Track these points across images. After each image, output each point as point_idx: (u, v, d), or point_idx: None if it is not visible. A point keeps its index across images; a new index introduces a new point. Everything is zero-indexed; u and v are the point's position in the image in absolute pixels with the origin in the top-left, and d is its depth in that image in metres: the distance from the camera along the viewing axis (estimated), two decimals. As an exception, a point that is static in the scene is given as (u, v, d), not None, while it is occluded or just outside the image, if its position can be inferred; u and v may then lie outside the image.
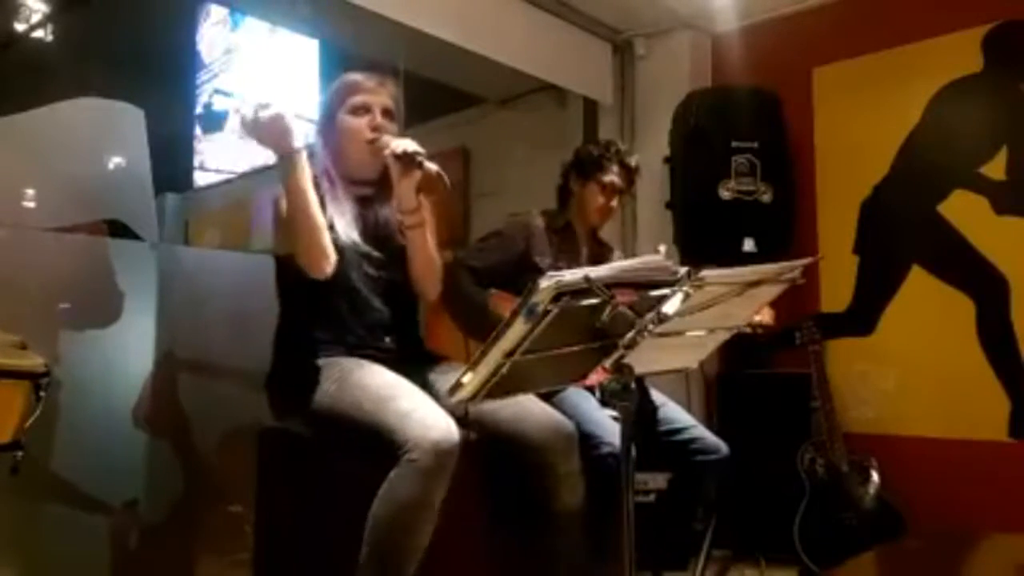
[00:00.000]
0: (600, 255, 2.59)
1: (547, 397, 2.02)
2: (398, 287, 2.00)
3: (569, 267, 2.43)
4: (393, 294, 1.99)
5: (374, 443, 1.66)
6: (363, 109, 1.96)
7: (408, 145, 1.89)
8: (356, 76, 2.01)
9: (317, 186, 1.85)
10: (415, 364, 1.95)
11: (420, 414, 1.64)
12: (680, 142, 3.55)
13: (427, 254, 1.99)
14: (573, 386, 2.19)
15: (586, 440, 2.05)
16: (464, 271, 2.40)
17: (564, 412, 2.01)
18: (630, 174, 2.55)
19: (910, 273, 3.31)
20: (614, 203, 2.54)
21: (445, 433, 1.61)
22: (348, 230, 1.92)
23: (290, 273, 1.92)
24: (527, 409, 1.87)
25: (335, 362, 1.83)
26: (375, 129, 1.94)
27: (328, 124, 1.99)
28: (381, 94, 1.99)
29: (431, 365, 2.00)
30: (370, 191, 2.01)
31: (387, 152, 1.90)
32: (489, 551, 1.86)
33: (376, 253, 1.96)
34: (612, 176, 2.51)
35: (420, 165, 1.88)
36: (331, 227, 1.89)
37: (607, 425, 2.10)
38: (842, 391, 3.30)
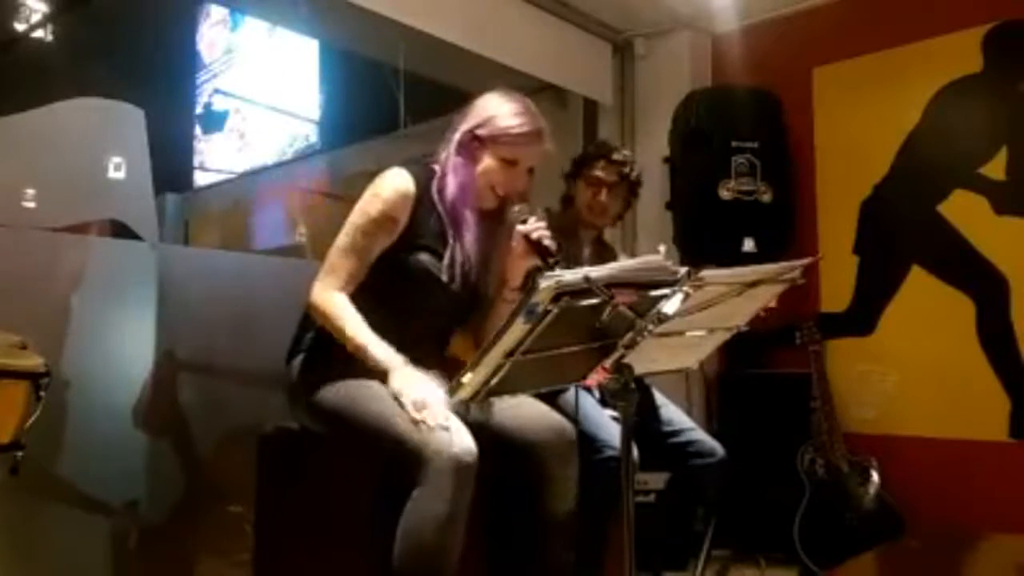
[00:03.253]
0: (601, 258, 2.58)
1: (548, 398, 2.02)
2: (450, 323, 2.00)
3: (569, 268, 2.45)
4: (444, 326, 1.99)
5: (392, 451, 1.66)
6: (513, 163, 1.89)
7: (546, 237, 1.83)
8: (522, 125, 1.87)
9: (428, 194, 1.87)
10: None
11: (439, 428, 1.62)
12: (680, 142, 3.55)
13: (503, 320, 2.00)
14: (573, 386, 2.19)
15: (588, 443, 2.05)
16: None
17: (565, 414, 2.00)
18: (618, 167, 2.53)
19: (910, 273, 3.31)
20: (602, 197, 2.51)
21: (464, 447, 1.60)
22: (437, 257, 1.88)
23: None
24: (525, 409, 1.86)
25: (354, 361, 1.80)
26: (509, 193, 1.90)
27: (469, 148, 1.89)
28: (535, 153, 1.92)
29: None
30: (473, 220, 1.93)
31: (521, 229, 1.85)
32: (478, 553, 1.85)
33: (452, 285, 1.90)
34: (596, 171, 2.52)
35: (551, 266, 1.79)
36: (427, 247, 1.87)
37: (609, 428, 2.10)
38: (842, 391, 3.30)
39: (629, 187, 2.57)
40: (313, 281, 1.84)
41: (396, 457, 1.65)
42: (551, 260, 1.80)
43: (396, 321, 1.83)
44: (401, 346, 1.82)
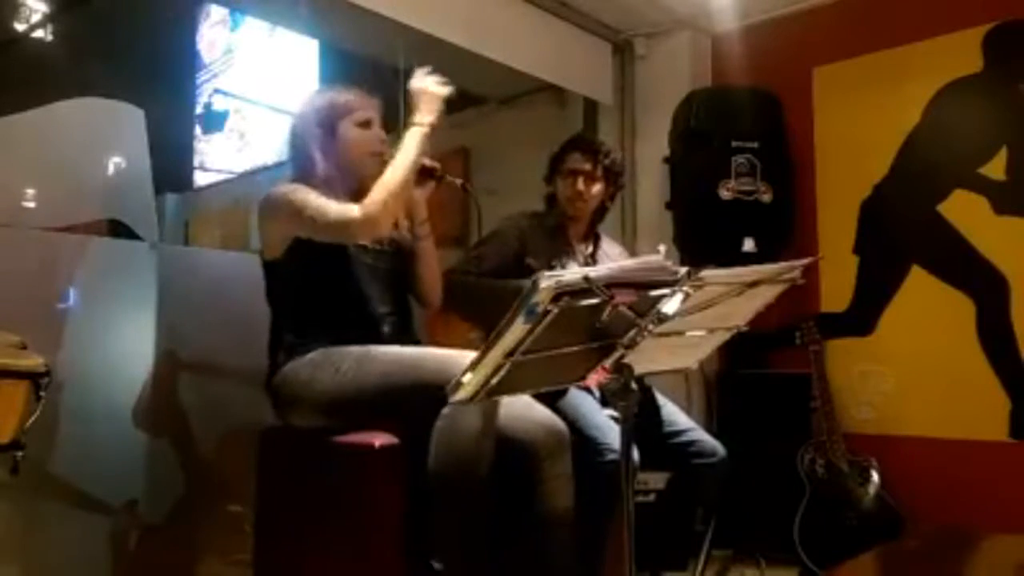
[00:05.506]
0: (595, 251, 2.58)
1: (549, 401, 2.02)
2: (395, 277, 2.07)
3: (565, 266, 2.45)
4: (390, 283, 2.04)
5: (414, 401, 1.72)
6: (367, 123, 2.05)
7: (425, 159, 2.00)
8: (352, 91, 2.07)
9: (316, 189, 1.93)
10: None
11: (456, 360, 1.69)
12: (680, 142, 3.55)
13: (435, 264, 2.13)
14: (573, 387, 2.19)
15: (590, 446, 2.04)
16: (463, 279, 2.41)
17: (566, 415, 2.00)
18: (591, 155, 2.52)
19: (910, 273, 3.31)
20: (580, 186, 2.50)
21: None
22: None
23: (284, 277, 1.97)
24: (516, 407, 1.87)
25: (343, 350, 1.86)
26: (382, 142, 2.04)
27: (328, 135, 2.02)
28: (378, 109, 2.08)
29: None
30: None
31: None
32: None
33: (374, 245, 2.02)
34: (570, 162, 2.53)
35: (442, 179, 2.05)
36: None
37: (611, 431, 2.09)
38: (842, 391, 3.30)
39: (606, 174, 2.53)
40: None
41: (418, 403, 1.70)
42: (438, 174, 2.04)
43: (346, 304, 1.94)
44: (366, 328, 1.93)
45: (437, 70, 2.02)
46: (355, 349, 1.86)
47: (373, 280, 1.99)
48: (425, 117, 1.96)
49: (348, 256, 1.95)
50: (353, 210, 1.84)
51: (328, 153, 2.00)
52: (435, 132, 1.96)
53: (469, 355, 1.67)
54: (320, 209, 1.86)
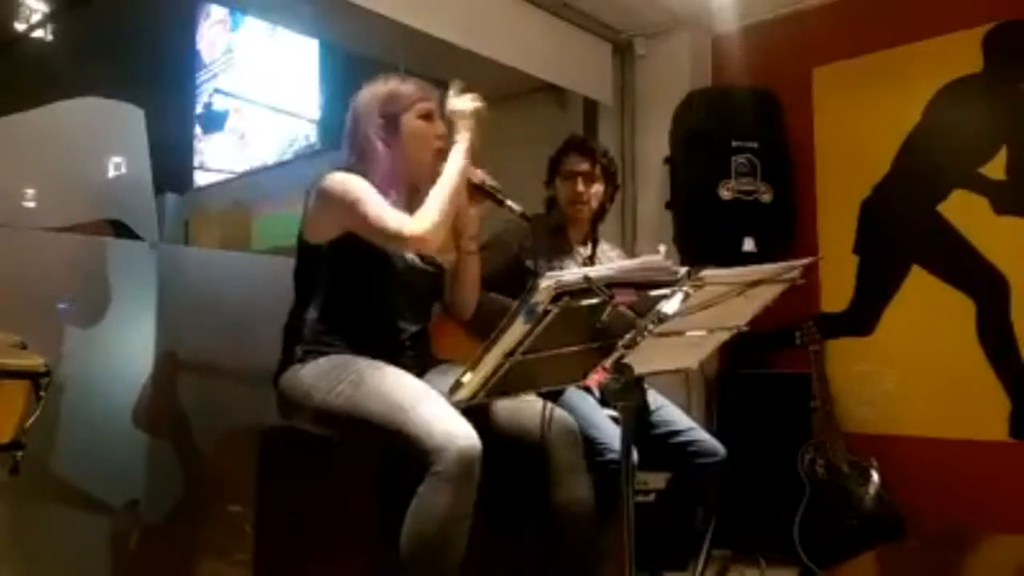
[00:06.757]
0: (594, 253, 2.59)
1: (550, 400, 2.02)
2: (427, 296, 2.04)
3: (564, 268, 2.45)
4: (421, 302, 2.01)
5: (399, 448, 1.68)
6: (429, 116, 1.99)
7: (488, 179, 1.98)
8: (414, 82, 2.02)
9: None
10: (423, 368, 1.96)
11: (443, 423, 1.64)
12: (680, 142, 3.55)
13: (477, 277, 2.10)
14: (573, 387, 2.19)
15: (590, 445, 2.05)
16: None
17: (566, 416, 2.00)
18: (588, 156, 2.54)
19: (910, 273, 3.31)
20: (580, 187, 2.52)
21: (469, 441, 1.61)
22: None
23: (322, 265, 1.91)
24: (528, 406, 1.87)
25: (349, 361, 1.83)
26: (441, 138, 1.98)
27: (391, 125, 1.95)
28: (438, 102, 2.03)
29: (433, 366, 2.01)
30: (416, 199, 1.97)
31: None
32: (493, 549, 1.85)
33: (420, 263, 1.98)
34: (568, 164, 2.55)
35: (501, 203, 1.99)
36: None
37: (610, 430, 2.09)
38: (842, 391, 3.30)
39: (604, 174, 2.56)
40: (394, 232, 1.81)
41: (403, 453, 1.66)
42: (499, 195, 1.98)
43: (375, 312, 1.91)
44: (388, 340, 1.90)
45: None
46: (357, 368, 1.80)
47: (406, 296, 1.95)
48: (461, 135, 1.94)
49: (391, 268, 1.90)
50: (407, 224, 1.80)
51: (390, 145, 1.94)
52: (474, 148, 1.94)
53: (457, 416, 1.66)
54: (377, 211, 1.80)
